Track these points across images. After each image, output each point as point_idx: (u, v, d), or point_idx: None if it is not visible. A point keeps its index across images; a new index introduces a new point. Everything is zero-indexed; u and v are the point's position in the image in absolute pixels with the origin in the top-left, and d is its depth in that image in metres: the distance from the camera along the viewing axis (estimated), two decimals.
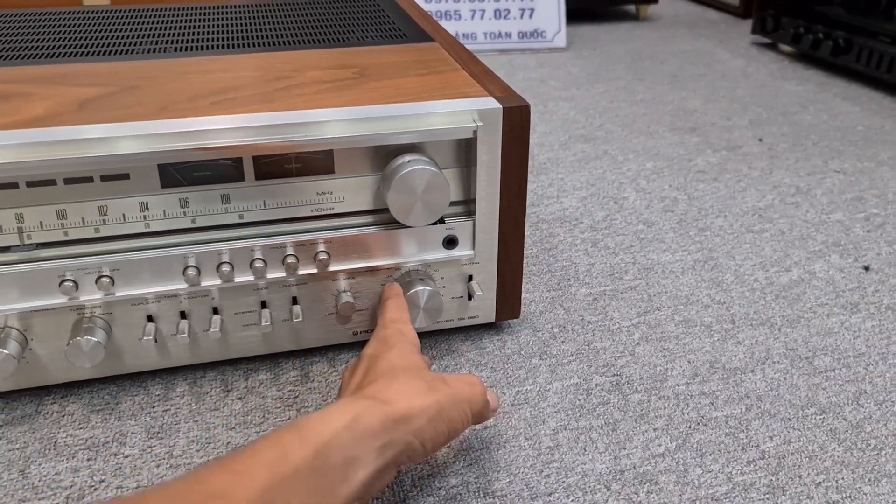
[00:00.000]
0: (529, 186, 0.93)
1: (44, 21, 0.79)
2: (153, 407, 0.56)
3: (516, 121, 0.56)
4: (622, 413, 0.56)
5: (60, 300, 0.53)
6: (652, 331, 0.65)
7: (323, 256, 0.56)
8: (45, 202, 0.52)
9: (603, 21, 1.84)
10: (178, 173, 0.54)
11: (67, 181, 0.52)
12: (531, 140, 1.06)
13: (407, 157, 0.55)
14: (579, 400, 0.57)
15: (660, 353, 0.62)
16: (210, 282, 0.56)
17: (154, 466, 0.51)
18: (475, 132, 0.55)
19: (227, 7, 0.87)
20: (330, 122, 0.54)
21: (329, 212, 0.57)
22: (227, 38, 0.73)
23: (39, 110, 0.54)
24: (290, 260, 0.56)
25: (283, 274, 0.57)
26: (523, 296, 0.68)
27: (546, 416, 0.55)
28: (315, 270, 0.57)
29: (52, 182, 0.52)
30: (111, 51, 0.69)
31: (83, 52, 0.68)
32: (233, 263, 0.55)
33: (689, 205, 0.89)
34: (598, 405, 0.57)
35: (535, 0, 1.55)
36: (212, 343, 0.58)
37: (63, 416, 0.55)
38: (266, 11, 0.85)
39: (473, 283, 0.61)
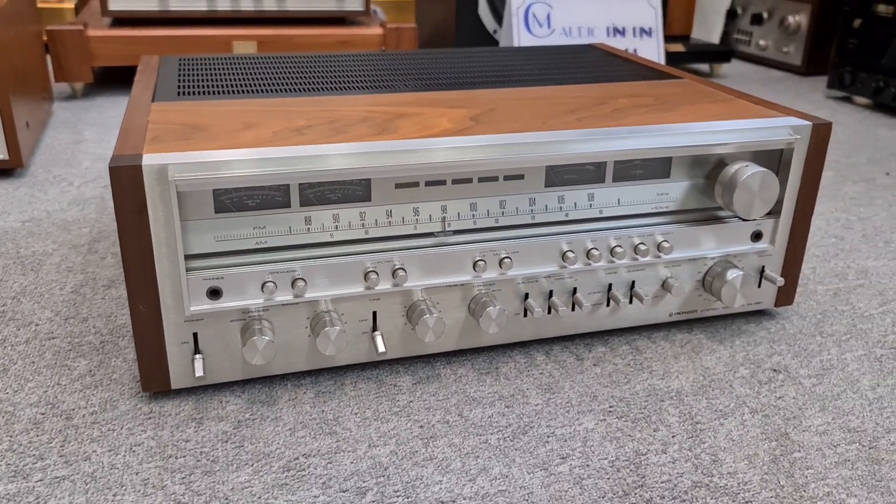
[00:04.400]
0: None
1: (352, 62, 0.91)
2: (529, 371, 0.66)
3: (821, 135, 0.69)
4: None
5: (466, 278, 0.64)
6: None
7: (666, 245, 0.68)
8: (463, 196, 0.63)
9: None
10: (555, 175, 0.65)
11: (481, 179, 0.63)
12: None
13: (743, 163, 0.67)
14: (875, 365, 0.68)
15: None
16: (576, 266, 0.67)
17: (563, 413, 0.61)
18: (792, 143, 0.68)
19: (482, 53, 1.00)
20: (674, 135, 0.66)
21: (665, 209, 0.69)
22: (496, 76, 0.86)
23: (447, 124, 0.66)
24: (642, 247, 0.67)
25: (628, 260, 0.68)
26: None
27: (856, 377, 0.67)
28: (651, 259, 0.69)
29: (469, 180, 0.63)
30: (413, 87, 0.81)
31: (389, 87, 0.80)
32: (598, 249, 0.67)
33: (864, 224, 1.02)
34: (895, 369, 0.68)
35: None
36: (557, 320, 0.69)
37: (459, 378, 0.65)
38: (506, 57, 0.98)
39: (770, 272, 0.73)
